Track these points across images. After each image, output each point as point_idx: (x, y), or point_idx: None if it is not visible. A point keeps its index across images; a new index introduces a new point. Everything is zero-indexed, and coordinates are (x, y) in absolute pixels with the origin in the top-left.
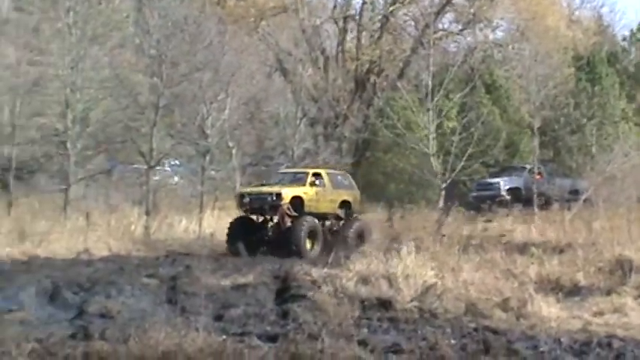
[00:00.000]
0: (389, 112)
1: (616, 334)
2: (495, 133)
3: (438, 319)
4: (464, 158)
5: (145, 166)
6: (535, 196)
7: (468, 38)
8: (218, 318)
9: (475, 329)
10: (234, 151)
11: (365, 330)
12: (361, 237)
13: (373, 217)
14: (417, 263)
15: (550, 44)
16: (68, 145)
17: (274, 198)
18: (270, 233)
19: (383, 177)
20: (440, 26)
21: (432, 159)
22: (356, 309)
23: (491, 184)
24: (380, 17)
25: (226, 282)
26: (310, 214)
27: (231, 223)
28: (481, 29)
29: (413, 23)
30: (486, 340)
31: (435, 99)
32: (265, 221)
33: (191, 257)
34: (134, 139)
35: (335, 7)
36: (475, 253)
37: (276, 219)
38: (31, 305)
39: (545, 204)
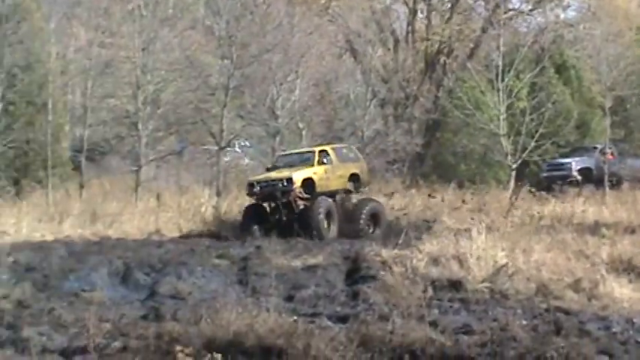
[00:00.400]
0: (459, 93)
1: None
2: (566, 113)
3: (509, 300)
4: (534, 138)
5: (216, 147)
6: (606, 176)
7: (539, 18)
8: (289, 299)
9: (546, 310)
10: (304, 132)
11: (435, 311)
12: (375, 218)
13: (446, 197)
14: (488, 244)
15: (621, 24)
16: (139, 126)
17: (285, 183)
18: (284, 218)
19: (453, 157)
20: (510, 6)
21: (502, 139)
22: (426, 290)
23: (562, 164)
24: None
25: (297, 263)
26: (322, 194)
27: (245, 210)
28: (552, 9)
29: (483, 3)
30: (558, 321)
31: (506, 79)
32: (277, 207)
33: (261, 238)
34: (204, 121)
35: None
36: (546, 233)
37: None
38: (104, 286)
39: (617, 184)
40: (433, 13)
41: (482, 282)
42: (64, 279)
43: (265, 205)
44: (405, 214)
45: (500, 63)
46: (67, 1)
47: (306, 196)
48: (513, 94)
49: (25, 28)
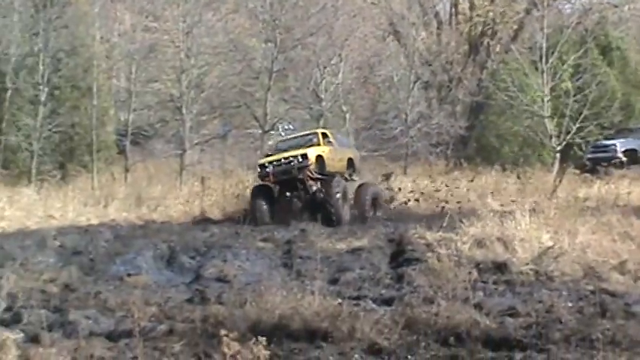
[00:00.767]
0: (502, 75)
1: None
2: (611, 94)
3: (554, 282)
4: (579, 120)
5: (260, 131)
6: None
7: None
8: (333, 282)
9: (592, 292)
10: (347, 115)
11: (480, 293)
12: (374, 201)
13: (489, 180)
14: (533, 226)
15: None
16: (183, 110)
17: (300, 160)
18: (296, 201)
19: (497, 140)
20: None
21: (546, 121)
22: (471, 272)
23: (607, 145)
24: None
25: (341, 246)
26: (330, 174)
27: (253, 191)
28: None
29: None
30: (603, 303)
31: (549, 61)
32: (286, 188)
33: (306, 221)
34: (248, 104)
35: None
36: (591, 215)
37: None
38: (149, 269)
39: None
40: None
41: (527, 264)
42: (109, 262)
43: (272, 186)
44: (451, 195)
45: (544, 45)
46: None
47: (316, 176)
48: (557, 76)
49: (69, 12)
